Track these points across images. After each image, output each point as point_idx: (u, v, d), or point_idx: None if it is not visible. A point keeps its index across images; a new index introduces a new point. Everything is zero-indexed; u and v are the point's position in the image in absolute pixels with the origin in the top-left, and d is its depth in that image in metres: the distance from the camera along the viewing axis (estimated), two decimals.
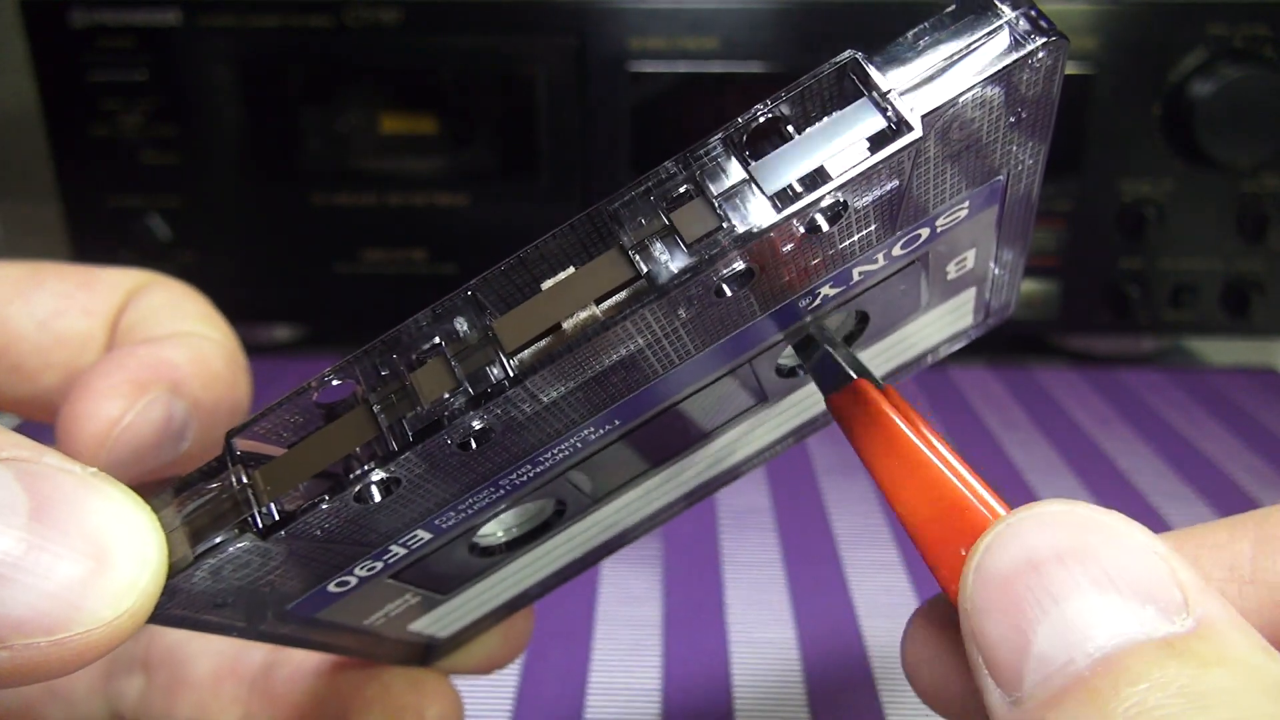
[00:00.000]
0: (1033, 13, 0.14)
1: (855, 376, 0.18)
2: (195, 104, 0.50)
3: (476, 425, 0.14)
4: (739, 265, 0.14)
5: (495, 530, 0.21)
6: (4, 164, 0.65)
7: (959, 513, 0.16)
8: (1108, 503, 0.40)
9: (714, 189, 0.14)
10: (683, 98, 0.49)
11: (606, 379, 0.15)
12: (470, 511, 0.17)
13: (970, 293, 0.21)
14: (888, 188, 0.15)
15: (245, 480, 0.15)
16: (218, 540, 0.15)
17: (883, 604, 0.34)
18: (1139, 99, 0.48)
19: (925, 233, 0.17)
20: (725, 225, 0.14)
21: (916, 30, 0.14)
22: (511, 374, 0.14)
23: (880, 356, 0.22)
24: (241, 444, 0.15)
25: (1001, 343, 0.57)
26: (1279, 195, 0.49)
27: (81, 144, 0.50)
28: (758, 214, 0.14)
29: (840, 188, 0.14)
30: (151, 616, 0.14)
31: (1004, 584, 0.13)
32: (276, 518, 0.15)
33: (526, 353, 0.14)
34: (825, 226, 0.14)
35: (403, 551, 0.17)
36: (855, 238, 0.15)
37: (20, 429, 0.23)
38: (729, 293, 0.14)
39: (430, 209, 0.51)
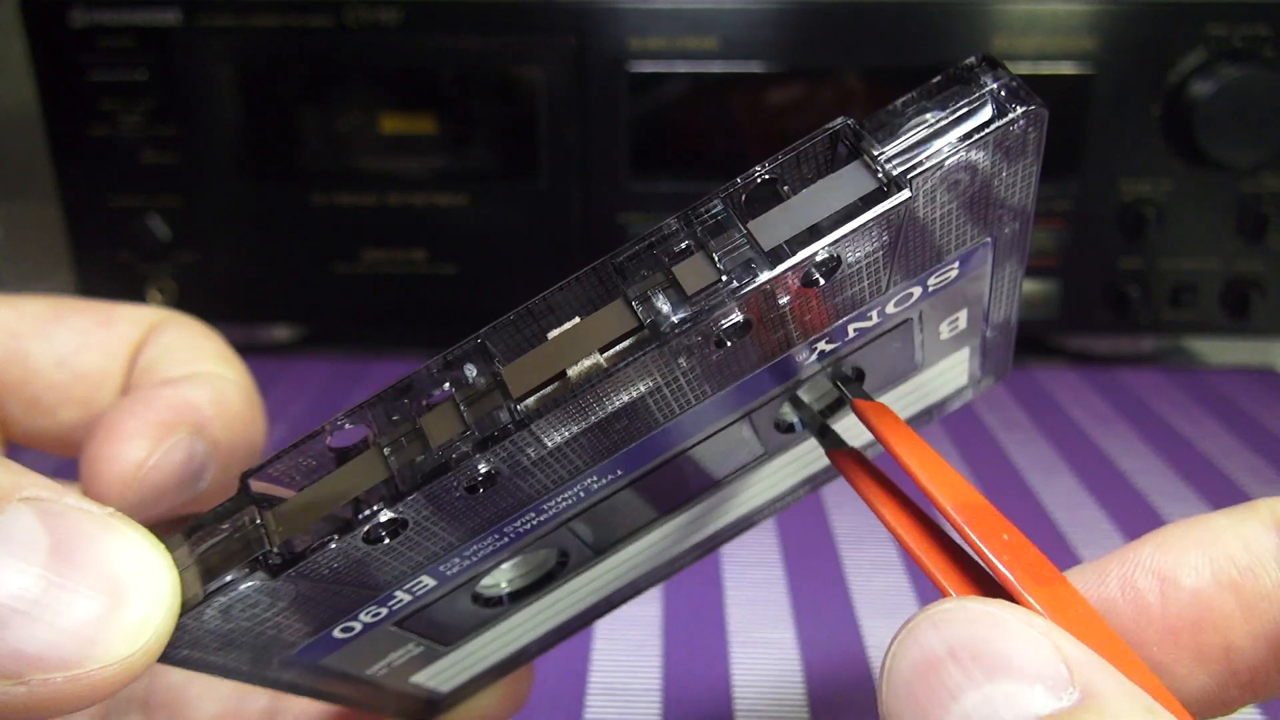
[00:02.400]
0: (1013, 84, 0.15)
1: (831, 446, 0.19)
2: (195, 104, 0.50)
3: (483, 468, 0.15)
4: (737, 317, 0.15)
5: (498, 581, 0.21)
6: (4, 164, 0.65)
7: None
8: (1108, 503, 0.40)
9: (714, 245, 0.15)
10: (683, 98, 0.49)
11: (610, 426, 0.16)
12: (475, 559, 0.18)
13: (964, 353, 0.22)
14: (879, 244, 0.15)
15: (258, 520, 0.15)
16: (229, 578, 0.15)
17: (883, 604, 0.34)
18: (1139, 99, 0.48)
19: (917, 291, 0.18)
20: (724, 279, 0.14)
21: (905, 99, 0.15)
22: (517, 418, 0.15)
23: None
24: (256, 485, 0.15)
25: None
26: (1279, 195, 0.49)
27: (81, 144, 0.50)
28: (755, 268, 0.15)
29: (834, 243, 0.15)
30: (162, 655, 0.15)
31: (909, 689, 0.14)
32: (287, 557, 0.15)
33: (533, 399, 0.15)
34: (820, 280, 0.15)
35: (408, 598, 0.18)
36: (848, 293, 0.16)
37: (19, 456, 0.23)
38: (728, 344, 0.15)
39: (430, 209, 0.51)
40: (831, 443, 0.20)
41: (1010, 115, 0.15)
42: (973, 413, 0.49)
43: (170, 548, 0.15)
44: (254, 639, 0.17)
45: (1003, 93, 0.15)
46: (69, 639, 0.13)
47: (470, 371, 0.15)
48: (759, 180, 0.15)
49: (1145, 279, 0.51)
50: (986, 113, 0.15)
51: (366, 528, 0.15)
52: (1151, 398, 0.51)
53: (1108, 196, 0.50)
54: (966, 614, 0.14)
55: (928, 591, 0.34)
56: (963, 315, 0.20)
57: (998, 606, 0.14)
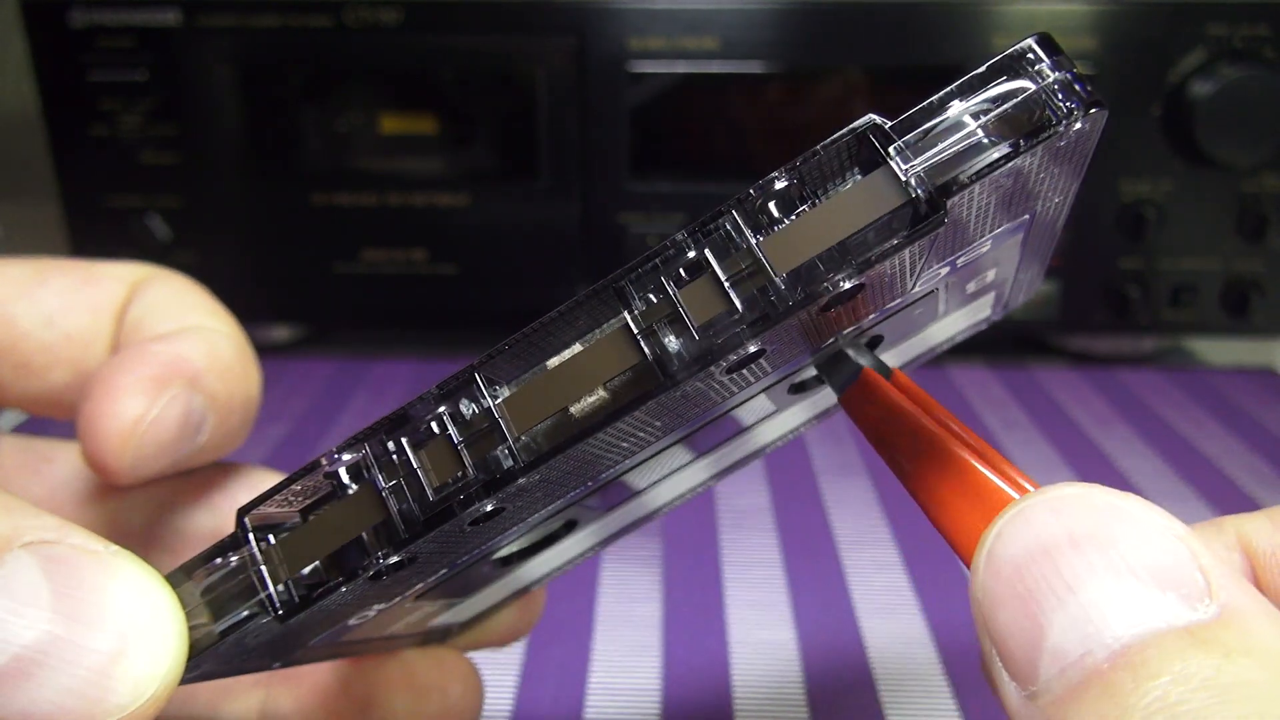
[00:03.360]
0: (1069, 77, 0.13)
1: (862, 366, 0.18)
2: (195, 104, 0.50)
3: (489, 508, 0.14)
4: (751, 348, 0.13)
5: (512, 544, 0.21)
6: (4, 164, 0.65)
7: (978, 491, 0.15)
8: None
9: (725, 268, 0.13)
10: (683, 98, 0.49)
11: (617, 447, 0.15)
12: (485, 548, 0.17)
13: (989, 296, 0.21)
14: (909, 259, 0.14)
15: (259, 557, 0.15)
16: (241, 617, 0.15)
17: (883, 604, 0.34)
18: (1139, 99, 0.48)
19: (945, 271, 0.16)
20: (737, 312, 0.13)
21: (945, 93, 0.13)
22: (521, 463, 0.14)
23: (896, 353, 0.21)
24: (254, 519, 0.15)
25: (1001, 343, 0.57)
26: (1279, 195, 0.49)
27: (81, 144, 0.50)
28: (772, 297, 0.13)
29: (858, 272, 0.13)
30: (189, 677, 0.15)
31: (1016, 572, 0.12)
32: (296, 599, 0.15)
33: (535, 433, 0.14)
34: (841, 306, 0.14)
35: (420, 584, 0.18)
36: (873, 301, 0.15)
37: (28, 425, 0.23)
38: (741, 371, 0.14)
39: (430, 209, 0.51)
40: (844, 379, 0.18)
41: (1067, 120, 0.13)
42: (973, 412, 0.49)
43: (175, 583, 0.15)
44: (269, 647, 0.17)
45: (1058, 91, 0.13)
46: (74, 698, 0.13)
47: (467, 406, 0.14)
48: (775, 188, 0.13)
49: (1145, 279, 0.51)
50: (1038, 114, 0.13)
51: (371, 572, 0.14)
52: (1151, 398, 0.51)
53: (1108, 196, 0.50)
54: (1092, 502, 0.12)
55: (928, 592, 0.34)
56: (992, 273, 0.19)
57: (1129, 500, 0.12)
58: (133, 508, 0.22)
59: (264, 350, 0.57)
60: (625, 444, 0.15)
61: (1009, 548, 0.13)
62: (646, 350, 0.13)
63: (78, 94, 0.49)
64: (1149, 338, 0.55)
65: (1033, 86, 0.13)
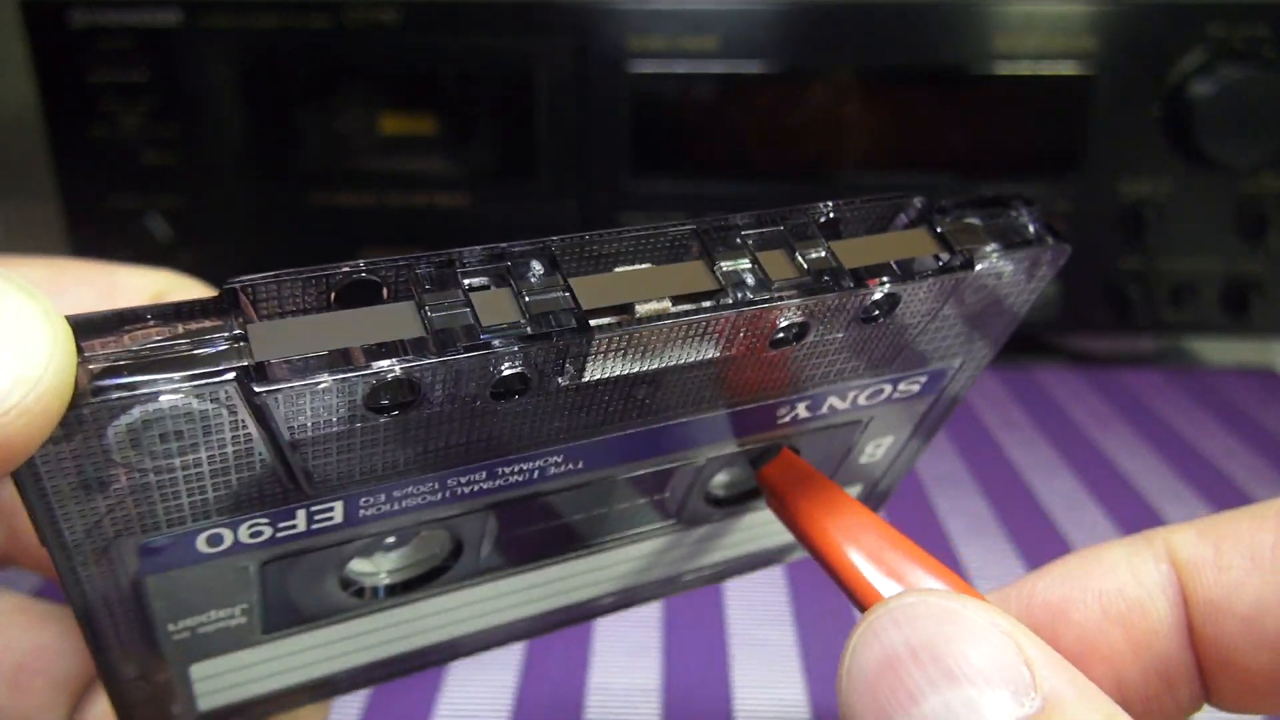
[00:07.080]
0: (1046, 221, 0.18)
1: (783, 445, 0.20)
2: (195, 104, 0.50)
3: (520, 368, 0.14)
4: (799, 318, 0.16)
5: (371, 569, 0.20)
6: (4, 164, 0.65)
7: (856, 583, 0.18)
8: (1108, 503, 0.40)
9: (799, 247, 0.16)
10: (683, 98, 0.49)
11: (636, 389, 0.16)
12: (397, 506, 0.17)
13: (856, 489, 0.24)
14: (928, 308, 0.17)
15: (237, 330, 0.13)
16: (202, 377, 0.13)
17: None
18: (1139, 99, 0.48)
19: (887, 389, 0.19)
20: (809, 278, 0.16)
21: (952, 200, 0.18)
22: (582, 324, 0.14)
23: (742, 537, 0.24)
24: (246, 290, 0.13)
25: None
26: (1279, 195, 0.49)
27: (81, 144, 0.50)
28: (838, 278, 0.16)
29: (903, 282, 0.16)
30: (31, 461, 0.13)
31: (869, 687, 0.14)
32: (267, 374, 0.13)
33: (597, 320, 0.15)
34: (876, 313, 0.17)
35: (301, 527, 0.16)
36: (854, 358, 0.18)
37: None
38: (783, 337, 0.16)
39: (430, 209, 0.51)
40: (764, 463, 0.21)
41: (1047, 241, 0.17)
42: (973, 412, 0.49)
43: (89, 323, 0.13)
44: (127, 496, 0.14)
45: (1037, 223, 0.18)
46: None
47: (537, 268, 0.15)
48: (825, 217, 0.17)
49: (1145, 279, 0.51)
50: (1027, 231, 0.17)
51: (374, 381, 0.13)
52: (1151, 398, 0.51)
53: (1108, 196, 0.50)
54: (928, 608, 0.14)
55: None
56: (886, 442, 0.22)
57: (960, 601, 0.14)
58: None
59: None
60: (641, 393, 0.16)
61: (862, 663, 0.14)
62: (720, 279, 0.15)
63: (78, 94, 0.49)
64: (1149, 338, 0.55)
65: (1019, 214, 0.18)
